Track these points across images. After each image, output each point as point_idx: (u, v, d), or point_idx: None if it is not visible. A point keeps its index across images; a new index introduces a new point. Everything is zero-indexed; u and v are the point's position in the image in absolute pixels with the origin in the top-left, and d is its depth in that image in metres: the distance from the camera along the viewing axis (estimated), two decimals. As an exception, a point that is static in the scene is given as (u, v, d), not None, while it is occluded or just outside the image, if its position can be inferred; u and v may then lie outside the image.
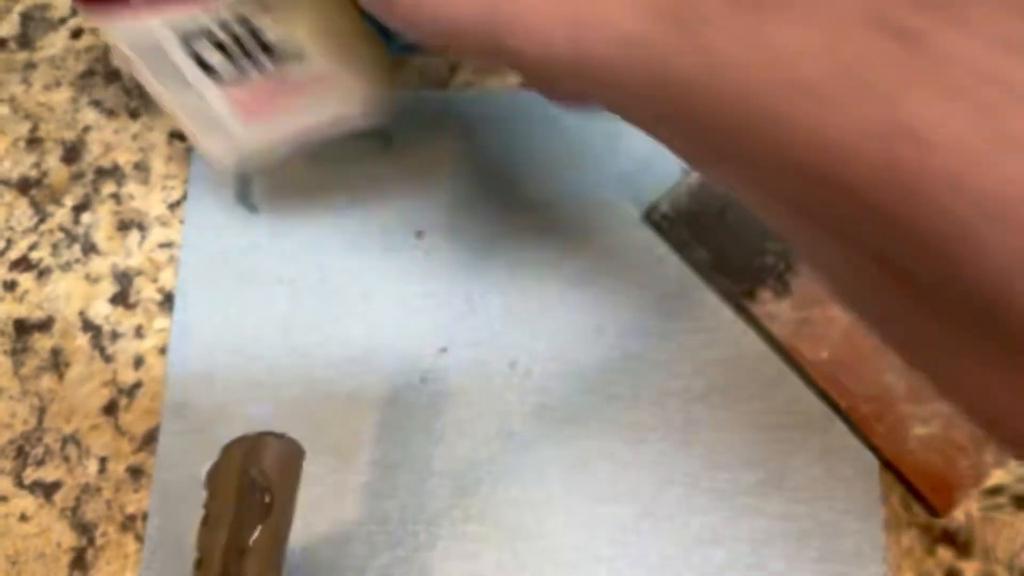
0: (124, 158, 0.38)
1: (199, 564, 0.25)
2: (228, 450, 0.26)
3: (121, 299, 0.36)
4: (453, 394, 0.35)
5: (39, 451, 0.34)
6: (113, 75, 0.39)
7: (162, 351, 0.35)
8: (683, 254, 0.35)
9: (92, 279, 0.37)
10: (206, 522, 0.25)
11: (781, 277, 0.34)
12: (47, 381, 0.35)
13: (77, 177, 0.38)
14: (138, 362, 0.35)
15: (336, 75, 0.29)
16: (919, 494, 0.32)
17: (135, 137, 0.38)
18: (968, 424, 0.29)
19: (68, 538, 0.34)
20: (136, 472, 0.34)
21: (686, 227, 0.35)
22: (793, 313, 0.34)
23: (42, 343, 0.36)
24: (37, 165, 0.38)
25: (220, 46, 0.27)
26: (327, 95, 0.30)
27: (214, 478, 0.26)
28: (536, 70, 0.17)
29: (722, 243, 0.35)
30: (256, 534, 0.25)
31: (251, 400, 0.35)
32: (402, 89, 0.39)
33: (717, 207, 0.35)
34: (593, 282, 0.36)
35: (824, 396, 0.33)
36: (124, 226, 0.37)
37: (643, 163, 0.37)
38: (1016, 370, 0.12)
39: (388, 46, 0.30)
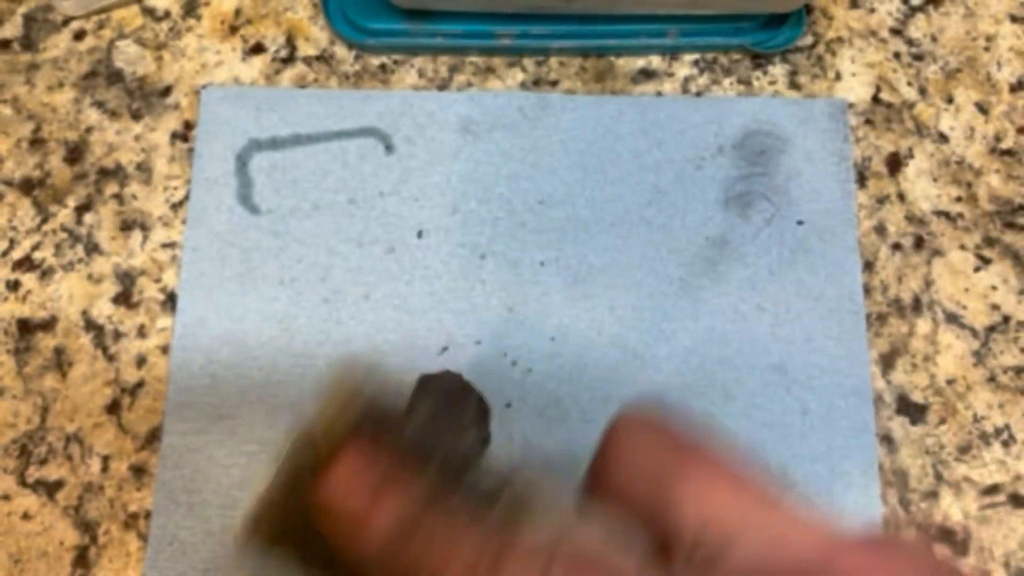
0: (127, 159, 0.38)
1: None
2: None
3: (124, 299, 0.37)
4: (453, 393, 0.35)
5: (42, 450, 0.35)
6: (115, 76, 0.39)
7: (164, 350, 0.36)
8: None
9: (95, 279, 0.37)
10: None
11: None
12: (50, 380, 0.36)
13: (80, 177, 0.38)
14: (140, 361, 0.36)
15: None
16: None
17: (137, 138, 0.39)
18: None
19: (71, 537, 0.34)
20: (139, 471, 0.34)
21: None
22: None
23: (45, 343, 0.36)
24: (40, 166, 0.38)
25: None
26: None
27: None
28: None
29: None
30: None
31: (252, 399, 0.35)
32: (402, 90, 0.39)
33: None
34: (592, 281, 0.36)
35: None
36: (127, 226, 0.37)
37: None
38: None
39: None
